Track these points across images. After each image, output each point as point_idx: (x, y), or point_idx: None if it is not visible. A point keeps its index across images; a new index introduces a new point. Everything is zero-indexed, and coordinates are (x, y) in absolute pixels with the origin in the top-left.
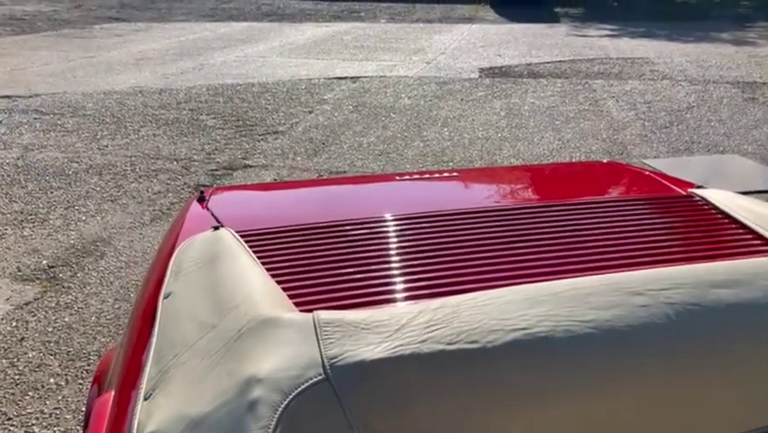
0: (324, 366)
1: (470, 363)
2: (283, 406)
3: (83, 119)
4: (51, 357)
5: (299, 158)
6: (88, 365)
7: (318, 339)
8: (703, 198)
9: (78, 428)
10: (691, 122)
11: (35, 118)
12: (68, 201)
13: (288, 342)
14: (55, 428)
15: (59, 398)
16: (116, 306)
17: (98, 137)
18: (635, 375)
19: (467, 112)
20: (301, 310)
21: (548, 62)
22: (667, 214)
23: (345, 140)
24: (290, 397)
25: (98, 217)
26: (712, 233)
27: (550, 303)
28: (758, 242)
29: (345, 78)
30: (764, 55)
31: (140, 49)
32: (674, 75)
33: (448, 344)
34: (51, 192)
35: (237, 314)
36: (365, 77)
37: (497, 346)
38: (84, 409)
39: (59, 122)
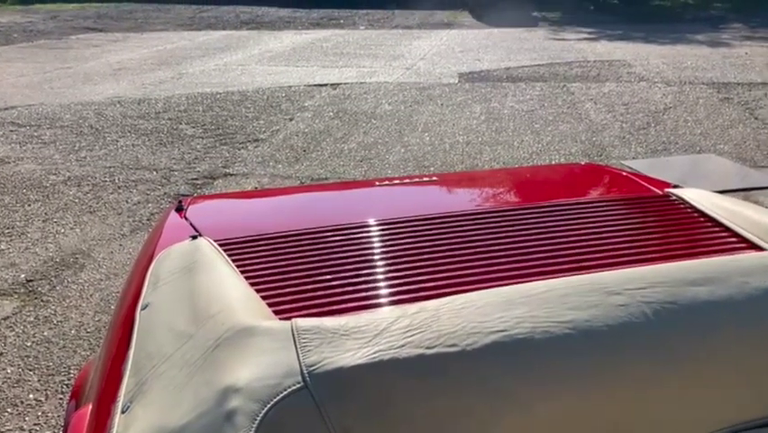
0: (302, 374)
1: (450, 366)
2: (261, 415)
3: (60, 130)
4: (30, 372)
5: (280, 165)
6: (68, 380)
7: (296, 347)
8: (680, 198)
9: None
10: (668, 123)
11: (11, 130)
12: (45, 214)
13: (266, 350)
14: None
15: (39, 414)
16: (96, 318)
17: (76, 148)
18: (614, 374)
19: (447, 117)
20: (280, 318)
21: (527, 66)
22: (645, 213)
23: (326, 147)
24: (269, 406)
25: (77, 229)
26: (689, 231)
27: (528, 305)
28: (734, 239)
29: (325, 84)
30: (738, 56)
31: (117, 59)
32: (651, 77)
33: (427, 348)
34: (29, 205)
35: (215, 323)
36: (345, 83)
37: (476, 349)
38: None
39: (35, 133)
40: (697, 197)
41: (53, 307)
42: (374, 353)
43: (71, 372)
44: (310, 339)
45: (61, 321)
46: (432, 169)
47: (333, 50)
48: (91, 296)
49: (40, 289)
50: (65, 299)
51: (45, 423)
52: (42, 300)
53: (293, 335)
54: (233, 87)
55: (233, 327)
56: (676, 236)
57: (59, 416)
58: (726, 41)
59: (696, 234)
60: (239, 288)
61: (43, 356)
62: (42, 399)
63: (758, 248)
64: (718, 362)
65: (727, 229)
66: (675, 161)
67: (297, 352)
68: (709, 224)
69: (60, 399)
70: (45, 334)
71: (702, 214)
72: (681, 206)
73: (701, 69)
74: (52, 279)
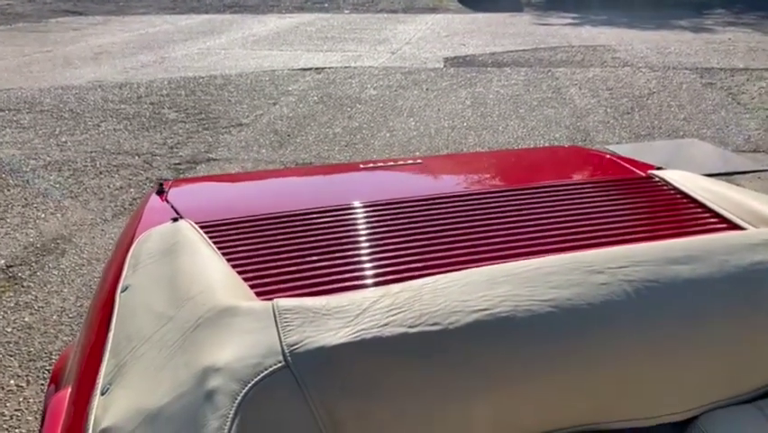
0: (283, 353)
1: (433, 345)
2: (242, 395)
3: (40, 115)
4: (11, 358)
5: (264, 150)
6: (50, 365)
7: (278, 326)
8: (662, 179)
9: None
10: (652, 107)
11: None
12: (25, 199)
13: (247, 330)
14: (16, 431)
15: (21, 399)
16: (78, 303)
17: (56, 133)
18: (596, 352)
19: (432, 101)
20: (262, 300)
21: (512, 51)
22: (628, 195)
23: (311, 131)
24: (249, 385)
25: (58, 215)
26: (671, 212)
27: (510, 283)
28: (715, 219)
29: (310, 69)
30: (721, 41)
31: (98, 42)
32: (635, 62)
33: (410, 327)
34: (8, 190)
35: (195, 304)
36: (330, 67)
37: (458, 328)
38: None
39: (14, 118)
40: (679, 178)
41: (34, 292)
42: (356, 332)
43: (53, 357)
44: (291, 319)
45: (42, 307)
46: (417, 154)
47: (318, 33)
48: (73, 281)
49: (20, 274)
50: (46, 284)
51: (27, 408)
52: (23, 286)
53: (274, 314)
54: (216, 71)
55: (214, 307)
56: (659, 217)
57: (40, 401)
58: (710, 27)
59: (678, 214)
60: (220, 269)
61: (24, 342)
62: (24, 385)
63: (738, 228)
64: (700, 339)
65: (709, 210)
66: (659, 146)
67: (278, 331)
68: (691, 204)
69: (42, 384)
70: (26, 320)
71: (684, 195)
72: (664, 187)
73: (685, 55)
74: (33, 264)
